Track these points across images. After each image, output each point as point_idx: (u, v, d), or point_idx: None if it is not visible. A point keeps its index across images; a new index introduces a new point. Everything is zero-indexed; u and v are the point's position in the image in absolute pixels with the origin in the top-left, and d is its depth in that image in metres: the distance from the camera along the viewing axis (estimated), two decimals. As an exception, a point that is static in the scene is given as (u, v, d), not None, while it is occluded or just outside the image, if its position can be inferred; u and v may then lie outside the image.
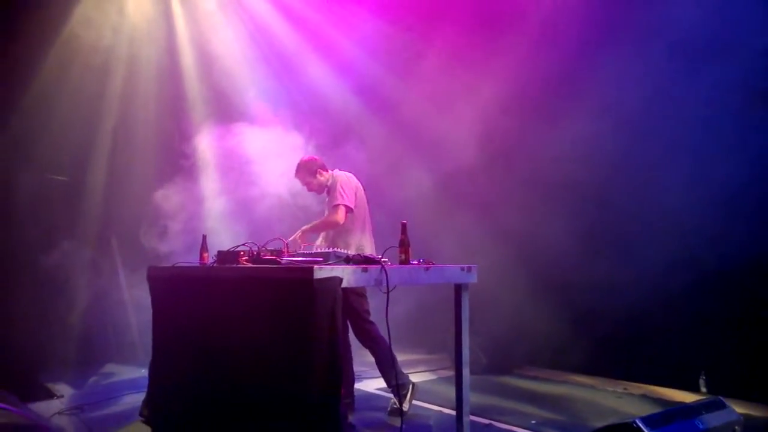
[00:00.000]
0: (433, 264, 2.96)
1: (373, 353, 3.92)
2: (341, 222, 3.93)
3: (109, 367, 5.54)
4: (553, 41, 5.39)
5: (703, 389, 4.52)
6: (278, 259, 2.84)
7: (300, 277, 2.32)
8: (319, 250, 3.30)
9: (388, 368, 3.79)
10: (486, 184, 5.87)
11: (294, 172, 4.22)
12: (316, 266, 2.30)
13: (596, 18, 5.18)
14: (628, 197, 4.95)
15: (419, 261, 3.01)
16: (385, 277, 2.50)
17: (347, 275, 2.40)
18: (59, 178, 5.72)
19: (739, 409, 3.99)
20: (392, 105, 6.38)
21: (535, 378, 5.21)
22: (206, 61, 6.36)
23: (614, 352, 5.12)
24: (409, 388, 3.92)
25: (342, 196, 3.96)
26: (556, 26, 5.39)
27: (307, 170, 4.14)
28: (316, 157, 4.27)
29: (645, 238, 4.81)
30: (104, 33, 5.78)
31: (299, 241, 3.93)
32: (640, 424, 2.14)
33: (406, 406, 3.88)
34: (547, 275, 5.50)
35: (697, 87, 4.47)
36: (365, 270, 2.48)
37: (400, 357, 5.93)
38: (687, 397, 4.45)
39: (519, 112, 5.63)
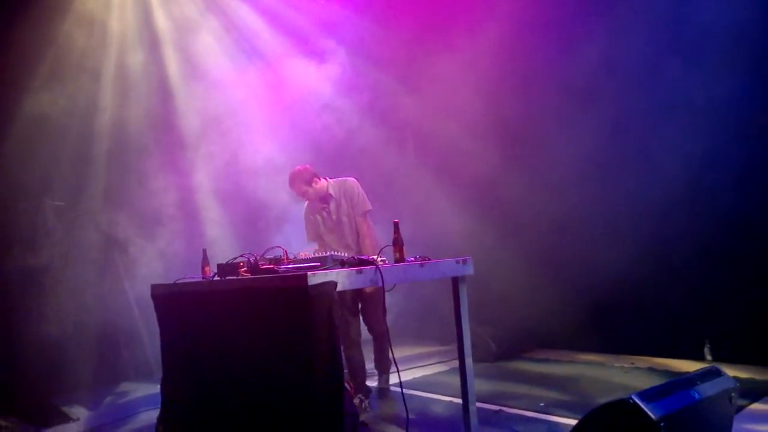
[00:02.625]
0: (428, 260, 3.02)
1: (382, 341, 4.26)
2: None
3: (125, 386, 5.61)
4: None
5: (708, 357, 4.57)
6: (276, 268, 2.89)
7: (295, 285, 2.38)
8: (317, 255, 3.37)
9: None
10: (488, 173, 5.89)
11: (289, 184, 4.25)
12: (309, 273, 2.36)
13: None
14: (625, 172, 4.99)
15: (415, 257, 3.07)
16: (380, 277, 2.56)
17: (342, 278, 2.46)
18: (57, 203, 5.79)
19: (743, 373, 4.08)
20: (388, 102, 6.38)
21: (544, 360, 5.27)
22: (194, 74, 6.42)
23: (620, 328, 5.19)
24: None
25: (368, 201, 4.17)
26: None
27: (302, 180, 4.18)
28: (307, 166, 4.31)
29: (643, 211, 4.86)
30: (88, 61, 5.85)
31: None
32: (637, 400, 2.18)
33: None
34: (549, 257, 5.57)
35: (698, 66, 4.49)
36: (360, 272, 2.54)
37: (414, 351, 6.05)
38: (692, 366, 4.49)
39: (513, 95, 5.68)
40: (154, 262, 5.94)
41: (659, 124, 4.77)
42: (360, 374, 4.22)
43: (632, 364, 4.77)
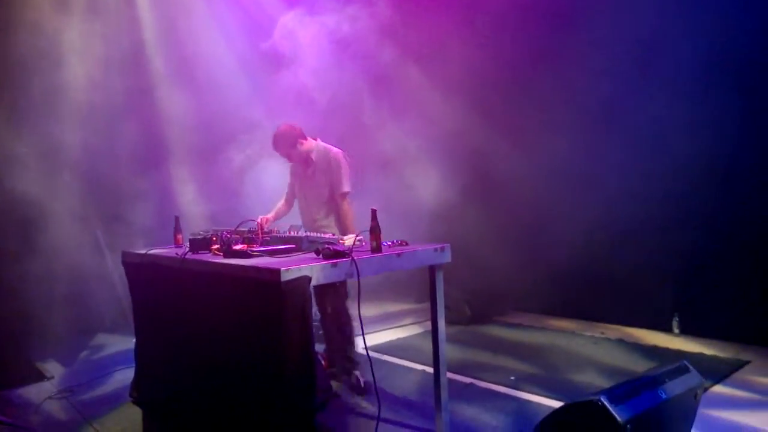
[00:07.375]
0: (405, 244, 2.98)
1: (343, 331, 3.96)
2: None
3: (100, 338, 5.61)
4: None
5: (676, 330, 4.70)
6: (249, 251, 2.82)
7: (268, 279, 2.31)
8: (293, 234, 3.29)
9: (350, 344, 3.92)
10: (460, 138, 5.80)
11: (273, 144, 3.93)
12: (283, 268, 2.29)
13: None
14: (597, 142, 4.96)
15: (393, 242, 3.01)
16: (355, 271, 2.50)
17: (316, 272, 2.40)
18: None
19: (708, 349, 4.19)
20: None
21: (517, 326, 5.36)
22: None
23: (593, 296, 5.29)
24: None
25: (349, 182, 3.86)
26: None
27: (286, 141, 3.87)
28: (292, 124, 3.95)
29: (618, 186, 4.85)
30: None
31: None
32: (605, 402, 2.22)
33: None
34: (527, 224, 5.60)
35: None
36: (335, 265, 2.47)
37: (389, 308, 6.11)
38: (660, 338, 4.63)
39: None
40: (128, 211, 5.87)
41: (640, 106, 4.77)
42: (338, 345, 4.02)
43: (602, 333, 4.87)
